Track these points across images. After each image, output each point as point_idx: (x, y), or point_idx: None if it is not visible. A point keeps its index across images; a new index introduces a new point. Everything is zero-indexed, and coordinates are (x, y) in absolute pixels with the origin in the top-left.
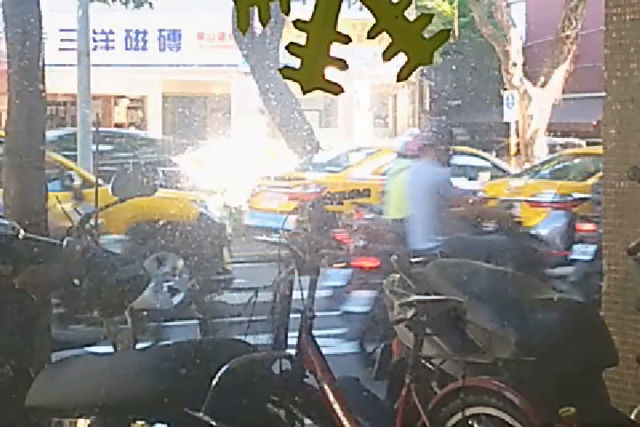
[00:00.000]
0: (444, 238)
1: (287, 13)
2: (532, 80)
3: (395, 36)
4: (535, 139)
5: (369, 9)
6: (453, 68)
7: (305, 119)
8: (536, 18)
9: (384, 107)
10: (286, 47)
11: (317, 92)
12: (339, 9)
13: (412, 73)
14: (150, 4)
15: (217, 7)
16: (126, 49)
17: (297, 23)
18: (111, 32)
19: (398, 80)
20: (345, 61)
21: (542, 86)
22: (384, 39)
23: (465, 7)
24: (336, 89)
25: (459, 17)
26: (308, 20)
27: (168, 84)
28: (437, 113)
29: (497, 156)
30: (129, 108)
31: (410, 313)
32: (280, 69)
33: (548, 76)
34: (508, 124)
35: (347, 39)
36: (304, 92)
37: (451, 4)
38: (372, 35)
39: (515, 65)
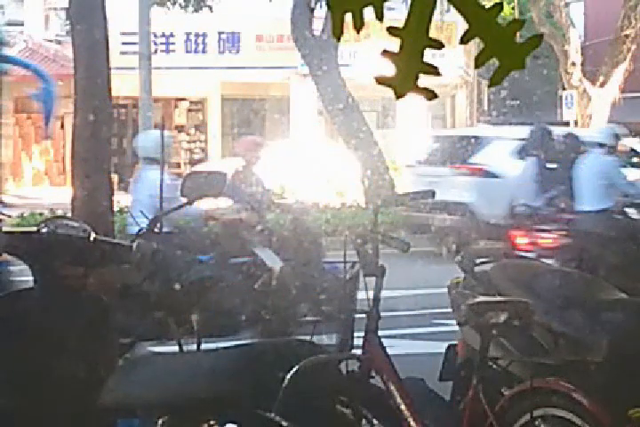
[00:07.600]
0: None
1: (381, 20)
2: (591, 80)
3: (487, 42)
4: None
5: (462, 15)
6: None
7: (364, 120)
8: (595, 17)
9: (442, 107)
10: (382, 54)
11: (377, 93)
12: (431, 15)
13: (504, 77)
14: (210, 7)
15: (275, 9)
16: (186, 52)
17: (391, 30)
18: (171, 35)
19: (490, 85)
20: (437, 67)
21: (601, 86)
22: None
23: (523, 7)
24: (429, 94)
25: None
26: (401, 26)
27: (227, 86)
28: (496, 113)
29: None
30: (189, 110)
31: (477, 315)
32: (375, 76)
33: (607, 75)
34: (567, 123)
35: (440, 45)
36: (398, 98)
37: (509, 3)
38: (465, 40)
39: (573, 65)
